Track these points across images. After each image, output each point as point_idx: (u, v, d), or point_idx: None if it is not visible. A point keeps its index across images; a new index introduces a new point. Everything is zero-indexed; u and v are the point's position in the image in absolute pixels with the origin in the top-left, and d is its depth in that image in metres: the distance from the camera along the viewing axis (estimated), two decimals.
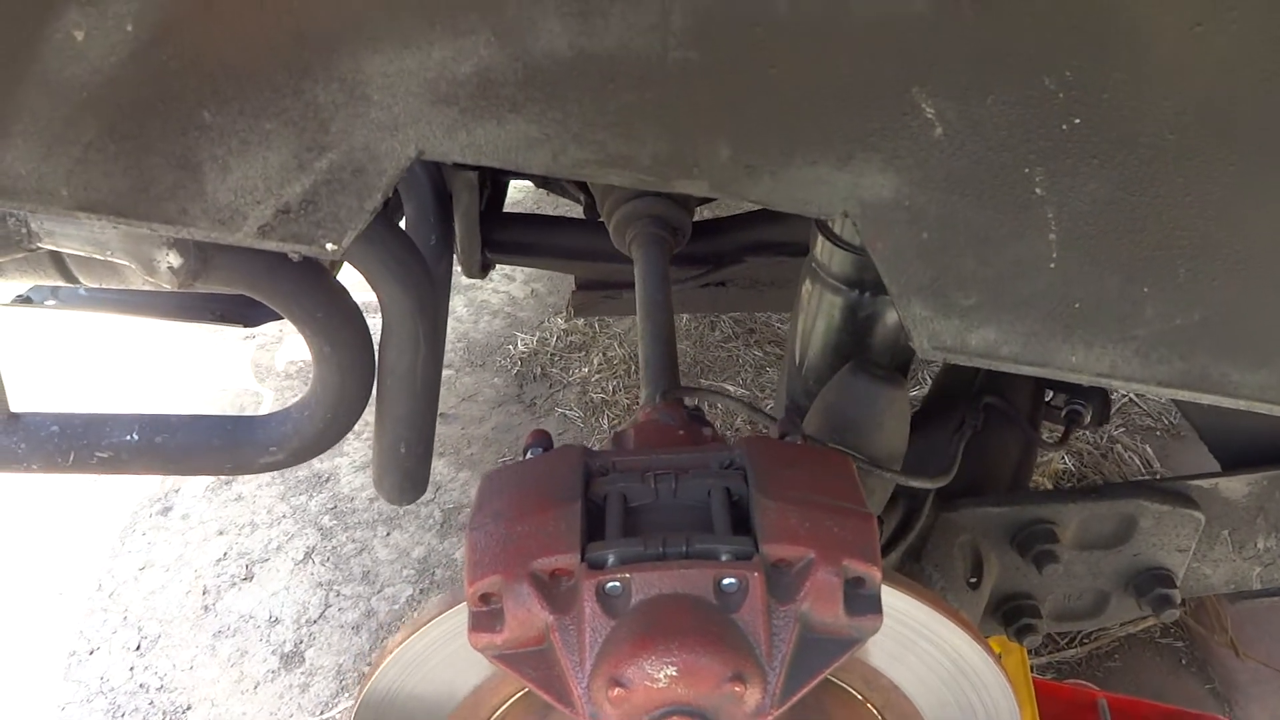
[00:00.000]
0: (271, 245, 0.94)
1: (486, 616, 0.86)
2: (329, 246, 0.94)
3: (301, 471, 3.06)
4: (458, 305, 3.92)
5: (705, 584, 0.83)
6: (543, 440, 1.04)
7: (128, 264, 1.30)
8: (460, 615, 0.95)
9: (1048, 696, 1.98)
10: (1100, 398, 1.60)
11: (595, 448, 1.05)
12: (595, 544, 0.86)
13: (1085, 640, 2.50)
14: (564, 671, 0.84)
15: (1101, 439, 3.15)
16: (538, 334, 3.72)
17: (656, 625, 0.80)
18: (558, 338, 3.68)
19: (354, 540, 2.82)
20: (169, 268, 1.30)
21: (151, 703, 2.38)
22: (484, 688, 1.04)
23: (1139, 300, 0.95)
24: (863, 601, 0.85)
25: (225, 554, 2.78)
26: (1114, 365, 0.99)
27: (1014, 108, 0.85)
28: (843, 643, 0.85)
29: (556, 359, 3.59)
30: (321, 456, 3.09)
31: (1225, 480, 1.33)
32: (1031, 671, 1.94)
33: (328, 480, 3.03)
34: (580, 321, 3.73)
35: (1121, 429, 3.22)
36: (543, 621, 0.84)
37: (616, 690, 0.80)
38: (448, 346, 3.64)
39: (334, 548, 2.79)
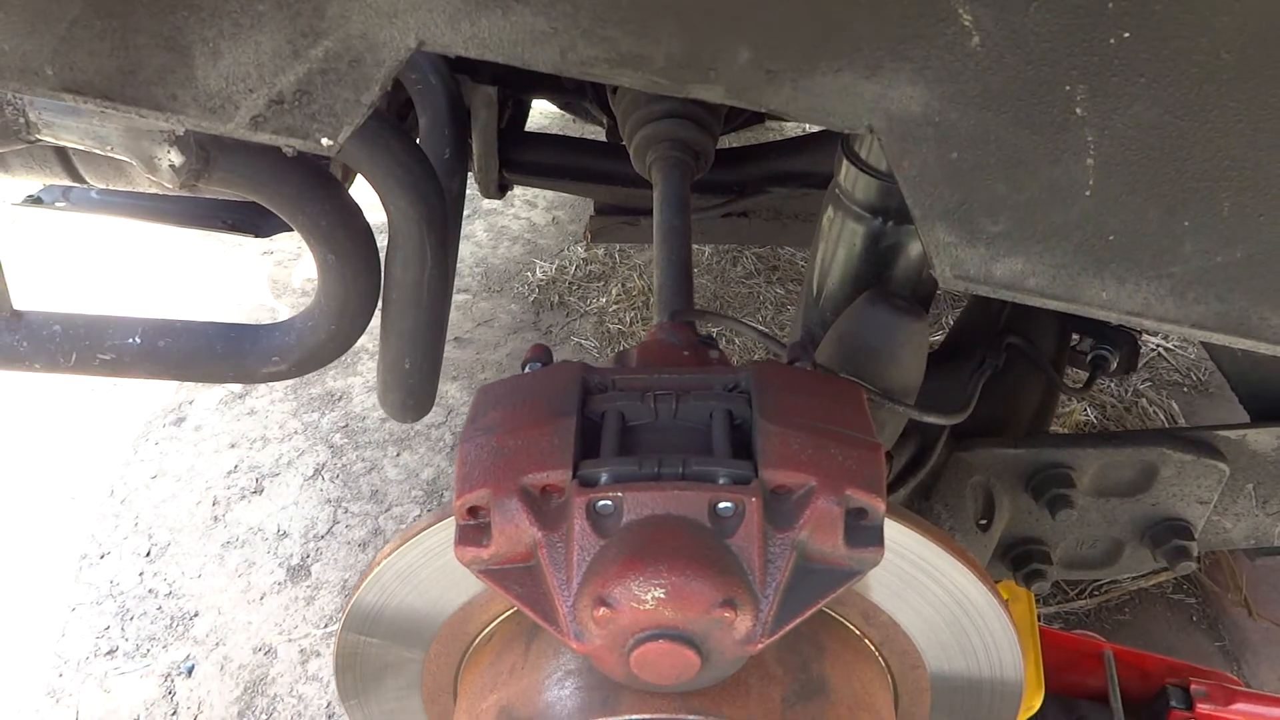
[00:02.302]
0: (264, 138, 0.89)
1: (474, 530, 0.84)
2: (324, 141, 0.89)
3: (314, 389, 3.05)
4: (477, 230, 3.88)
5: (700, 507, 0.79)
6: (542, 355, 1.01)
7: (129, 160, 1.27)
8: (450, 529, 0.92)
9: (1053, 645, 1.96)
10: (1128, 344, 1.55)
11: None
12: (588, 461, 0.83)
13: (1095, 592, 2.48)
14: (550, 590, 0.81)
15: (1126, 392, 3.08)
16: (557, 262, 3.67)
17: (646, 546, 0.77)
18: (577, 266, 3.64)
19: (364, 459, 2.82)
20: (170, 166, 1.26)
21: (160, 608, 2.41)
22: (473, 604, 1.02)
23: (1178, 234, 0.89)
24: (864, 533, 0.81)
25: (236, 466, 2.79)
26: (1147, 303, 0.94)
27: (1058, 18, 0.79)
28: (841, 574, 0.82)
29: (575, 288, 3.55)
30: (335, 375, 3.10)
31: (1254, 432, 1.28)
32: (1039, 620, 1.91)
33: (340, 399, 3.02)
34: (600, 251, 3.68)
35: (1148, 383, 3.15)
36: (530, 537, 0.81)
37: (602, 610, 0.77)
38: (465, 271, 3.61)
39: (344, 465, 2.80)
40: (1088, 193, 0.88)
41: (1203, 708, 1.89)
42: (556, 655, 0.94)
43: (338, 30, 0.83)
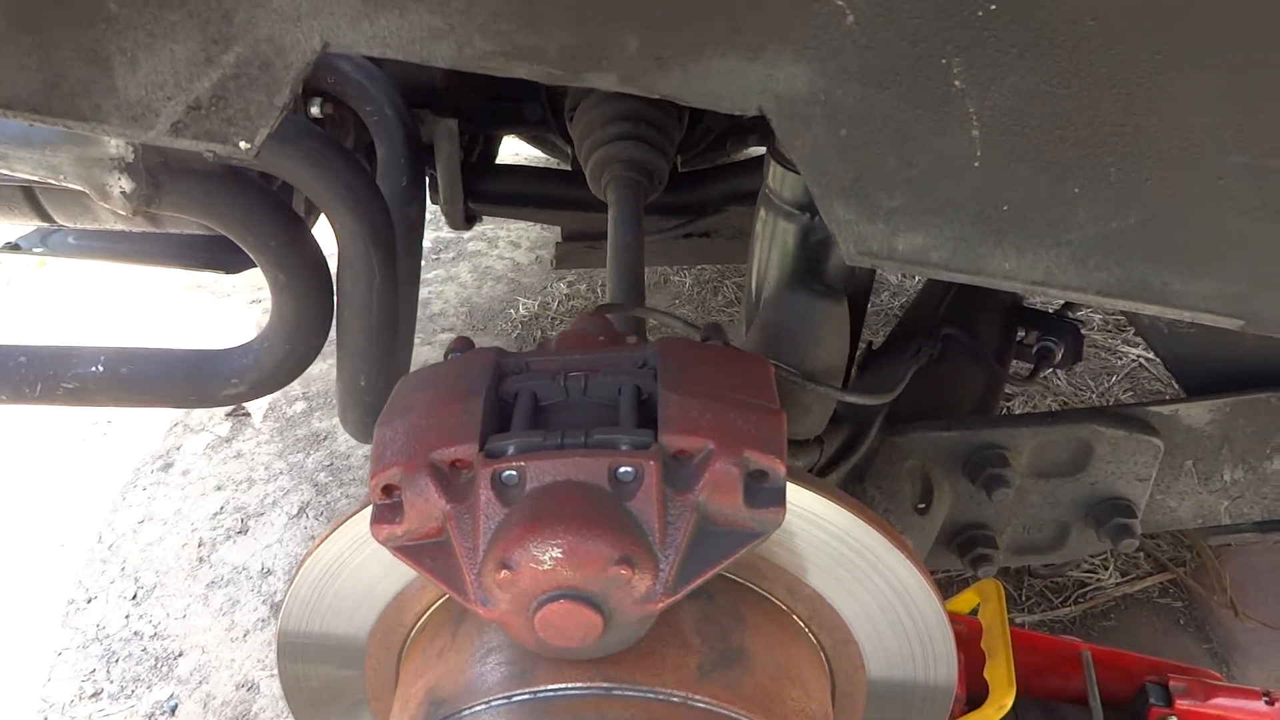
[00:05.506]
0: (186, 144, 0.94)
1: (388, 509, 0.86)
2: (242, 145, 0.93)
3: (300, 430, 3.08)
4: (462, 271, 3.94)
5: (600, 472, 0.82)
6: (464, 345, 1.04)
7: (82, 189, 1.31)
8: (356, 526, 0.96)
9: (1028, 648, 1.95)
10: (1072, 335, 1.57)
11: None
12: (496, 436, 0.85)
13: (1080, 599, 2.46)
14: (459, 561, 0.83)
15: (1108, 401, 3.09)
16: (539, 298, 3.72)
17: (545, 510, 0.79)
18: (559, 302, 3.68)
19: (349, 496, 2.84)
20: (121, 192, 1.31)
21: (145, 649, 2.42)
22: (406, 594, 1.04)
23: (1070, 202, 0.92)
24: (764, 495, 0.83)
25: (222, 508, 2.81)
26: (1049, 272, 0.97)
27: None
28: (743, 535, 0.84)
29: (557, 323, 3.59)
30: (320, 416, 3.14)
31: (1185, 406, 1.29)
32: (1022, 627, 1.90)
33: (325, 439, 3.05)
34: (582, 286, 3.73)
35: (1129, 393, 3.16)
36: (440, 511, 0.84)
37: (504, 573, 0.79)
38: (450, 311, 3.66)
39: (328, 503, 2.82)
40: (976, 164, 0.91)
41: (1182, 703, 1.88)
42: (480, 635, 0.96)
43: (246, 35, 0.88)
